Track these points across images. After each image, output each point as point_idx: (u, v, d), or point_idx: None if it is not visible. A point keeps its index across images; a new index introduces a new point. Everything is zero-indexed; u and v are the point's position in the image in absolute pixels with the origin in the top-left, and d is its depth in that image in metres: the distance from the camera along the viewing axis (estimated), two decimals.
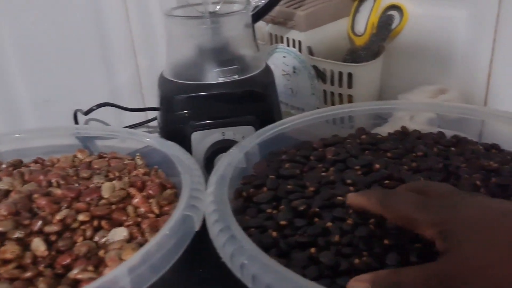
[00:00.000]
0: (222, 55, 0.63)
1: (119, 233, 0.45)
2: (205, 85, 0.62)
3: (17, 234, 0.43)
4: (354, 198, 0.40)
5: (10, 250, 0.40)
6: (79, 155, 0.61)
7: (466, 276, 0.29)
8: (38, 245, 0.43)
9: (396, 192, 0.38)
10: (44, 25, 0.71)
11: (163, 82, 0.65)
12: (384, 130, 0.62)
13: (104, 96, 0.77)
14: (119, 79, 0.78)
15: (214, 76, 0.62)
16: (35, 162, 0.61)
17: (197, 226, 0.42)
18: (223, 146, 0.60)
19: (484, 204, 0.33)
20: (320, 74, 0.76)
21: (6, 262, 0.40)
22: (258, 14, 0.68)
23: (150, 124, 0.83)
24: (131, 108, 0.76)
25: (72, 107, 0.74)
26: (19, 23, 0.70)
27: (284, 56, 0.79)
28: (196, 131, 0.61)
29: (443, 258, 0.30)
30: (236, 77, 0.62)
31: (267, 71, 0.66)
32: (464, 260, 0.29)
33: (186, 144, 0.61)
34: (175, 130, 0.62)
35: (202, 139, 0.61)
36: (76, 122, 0.74)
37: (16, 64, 0.72)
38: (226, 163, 0.51)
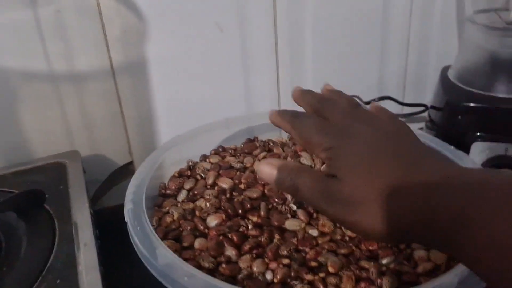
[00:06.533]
0: None
1: None
2: (495, 98, 0.61)
3: None
4: (272, 115, 0.40)
5: (327, 225, 0.47)
6: None
7: (352, 202, 0.32)
8: None
9: (305, 115, 0.39)
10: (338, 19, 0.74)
11: (449, 85, 0.66)
12: None
13: (374, 86, 0.79)
14: (387, 70, 0.80)
15: (506, 89, 0.61)
16: None
17: None
18: (504, 162, 0.59)
19: (373, 136, 0.34)
20: None
21: (323, 234, 0.46)
22: None
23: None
24: (406, 103, 0.77)
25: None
26: (319, 15, 0.73)
27: None
28: (477, 141, 0.61)
29: (333, 179, 0.33)
30: None
31: None
32: (349, 188, 0.32)
33: (463, 152, 0.61)
34: (455, 136, 0.63)
35: (482, 151, 0.61)
36: None
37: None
38: None
